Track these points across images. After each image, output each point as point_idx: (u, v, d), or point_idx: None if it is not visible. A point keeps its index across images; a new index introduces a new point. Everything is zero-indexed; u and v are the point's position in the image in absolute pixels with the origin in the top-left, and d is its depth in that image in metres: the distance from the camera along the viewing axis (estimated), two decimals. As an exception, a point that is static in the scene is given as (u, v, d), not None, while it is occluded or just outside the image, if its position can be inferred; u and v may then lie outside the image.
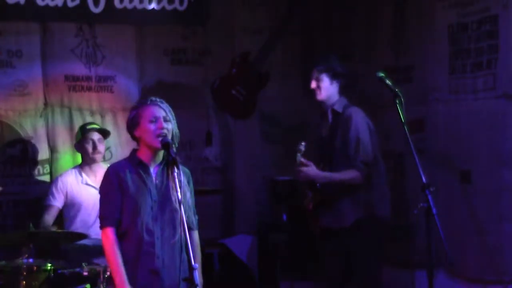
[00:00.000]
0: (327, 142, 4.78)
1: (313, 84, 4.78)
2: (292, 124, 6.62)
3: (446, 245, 3.73)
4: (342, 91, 4.81)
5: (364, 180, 4.59)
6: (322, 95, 4.76)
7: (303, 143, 4.69)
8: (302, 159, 4.64)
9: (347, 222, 4.64)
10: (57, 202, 5.38)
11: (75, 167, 5.53)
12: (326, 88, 4.74)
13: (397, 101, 3.96)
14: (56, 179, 5.48)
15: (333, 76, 4.75)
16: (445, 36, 5.26)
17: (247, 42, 6.48)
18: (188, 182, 3.83)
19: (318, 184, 4.68)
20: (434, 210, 3.73)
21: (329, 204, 4.70)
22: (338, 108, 4.75)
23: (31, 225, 4.69)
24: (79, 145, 5.45)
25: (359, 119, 4.67)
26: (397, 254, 5.50)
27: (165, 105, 3.79)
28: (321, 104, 4.84)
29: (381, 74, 4.08)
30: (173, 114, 3.81)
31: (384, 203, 4.77)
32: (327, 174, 4.66)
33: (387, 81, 4.05)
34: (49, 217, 5.35)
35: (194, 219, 3.88)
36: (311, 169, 4.62)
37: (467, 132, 5.09)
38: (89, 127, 5.45)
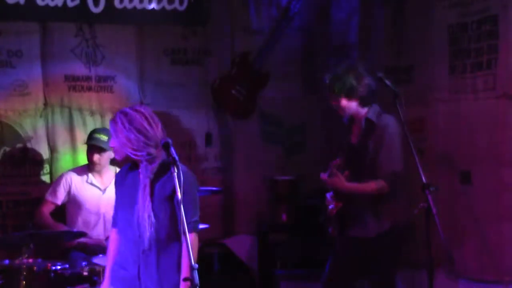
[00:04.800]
0: (357, 149, 4.65)
1: (333, 103, 4.56)
2: (292, 124, 6.62)
3: (446, 245, 3.74)
4: (368, 100, 4.48)
5: (390, 190, 4.46)
6: (345, 113, 4.55)
7: (339, 159, 4.48)
8: (335, 170, 4.49)
9: (370, 233, 4.48)
10: (56, 199, 5.39)
11: (83, 166, 5.52)
12: (346, 107, 4.50)
13: (397, 101, 3.95)
14: (62, 175, 5.48)
15: (349, 94, 4.46)
16: (445, 36, 5.26)
17: (247, 42, 6.48)
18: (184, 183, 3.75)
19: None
20: (434, 210, 3.73)
21: (353, 213, 4.59)
22: (372, 116, 4.49)
23: (31, 225, 4.70)
24: (86, 147, 5.43)
25: (395, 129, 4.43)
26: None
27: (111, 121, 3.64)
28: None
29: (381, 74, 4.07)
30: (124, 125, 3.57)
31: (407, 211, 4.63)
32: (355, 186, 4.44)
33: (387, 81, 4.04)
34: (45, 210, 5.38)
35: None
36: (339, 180, 4.43)
37: (467, 132, 5.09)
38: (95, 136, 5.34)
